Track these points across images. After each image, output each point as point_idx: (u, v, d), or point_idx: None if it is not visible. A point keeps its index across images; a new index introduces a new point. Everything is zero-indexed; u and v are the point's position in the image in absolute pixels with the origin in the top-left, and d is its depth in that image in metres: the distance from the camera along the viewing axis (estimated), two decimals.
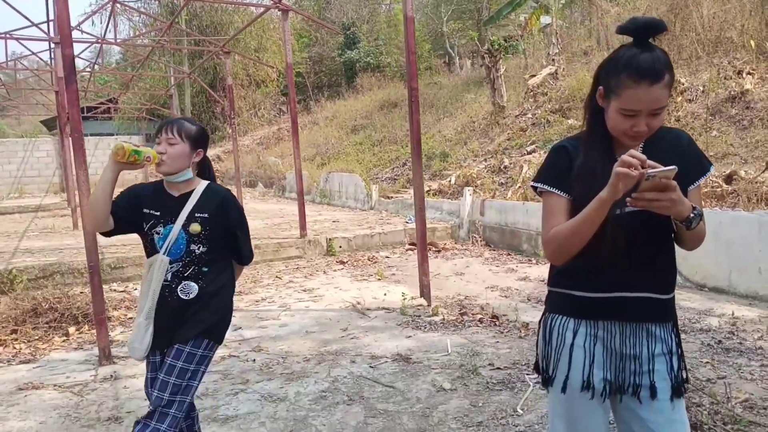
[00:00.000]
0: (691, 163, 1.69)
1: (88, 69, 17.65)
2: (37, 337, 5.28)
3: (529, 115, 13.53)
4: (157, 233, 2.40)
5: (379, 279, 7.25)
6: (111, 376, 4.36)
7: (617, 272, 1.69)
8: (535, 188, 1.82)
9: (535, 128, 12.92)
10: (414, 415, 3.51)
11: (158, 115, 26.67)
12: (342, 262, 8.37)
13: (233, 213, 2.48)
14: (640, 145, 1.70)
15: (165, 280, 2.37)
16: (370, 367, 4.31)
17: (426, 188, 12.35)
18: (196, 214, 2.40)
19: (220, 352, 4.77)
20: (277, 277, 7.52)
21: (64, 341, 5.24)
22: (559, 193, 1.75)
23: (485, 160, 12.94)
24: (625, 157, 1.47)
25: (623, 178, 1.46)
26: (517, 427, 3.27)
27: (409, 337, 4.98)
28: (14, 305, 5.69)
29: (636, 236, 1.66)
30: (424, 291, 5.93)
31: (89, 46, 14.81)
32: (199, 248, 2.40)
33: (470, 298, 6.16)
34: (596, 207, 1.56)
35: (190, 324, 2.38)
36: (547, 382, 1.84)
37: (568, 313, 1.80)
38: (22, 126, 47.58)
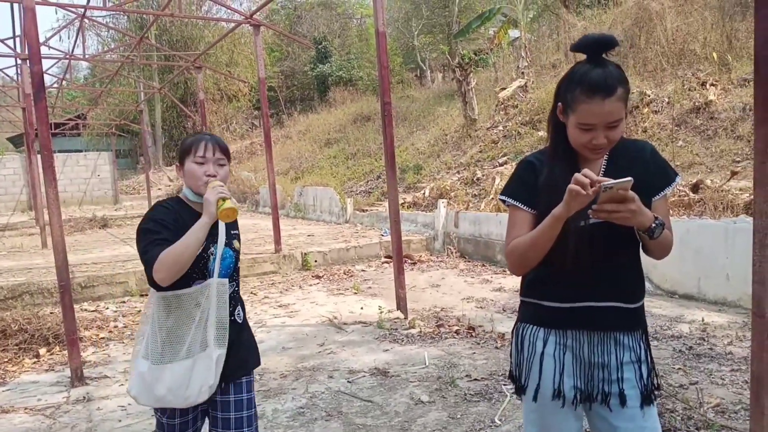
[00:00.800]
0: (655, 174, 1.74)
1: (56, 85, 17.38)
2: (6, 360, 5.14)
3: (500, 128, 13.70)
4: (212, 254, 2.09)
5: (356, 293, 7.24)
6: (84, 397, 4.27)
7: (584, 283, 1.73)
8: (503, 201, 1.86)
9: (507, 140, 13.09)
10: (393, 428, 3.50)
11: (128, 130, 26.38)
12: (318, 277, 8.34)
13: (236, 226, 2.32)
14: (605, 158, 1.75)
15: (232, 301, 2.15)
16: (348, 381, 4.29)
17: (400, 201, 12.41)
18: (232, 231, 2.18)
19: None
20: (252, 293, 7.46)
21: (34, 363, 5.11)
22: (523, 207, 1.79)
23: (458, 172, 13.05)
24: (577, 175, 1.52)
25: (575, 197, 1.52)
26: None
27: (387, 350, 4.97)
28: None
29: (600, 247, 1.69)
30: (401, 304, 5.94)
31: (57, 62, 14.64)
32: (237, 265, 2.23)
33: (446, 310, 6.19)
34: (550, 223, 1.62)
35: (247, 353, 2.21)
36: (520, 390, 1.87)
37: (538, 322, 1.83)
38: None
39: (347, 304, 6.64)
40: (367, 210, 12.96)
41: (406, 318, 5.83)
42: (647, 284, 6.45)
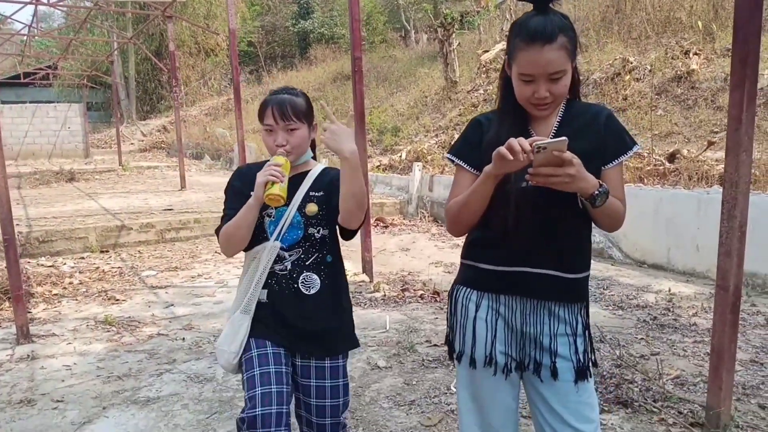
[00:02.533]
0: (608, 141, 1.62)
1: (25, 32, 16.67)
2: None
3: (481, 91, 13.47)
4: (269, 215, 2.00)
5: None
6: (28, 355, 4.10)
7: (521, 247, 1.63)
8: (449, 159, 1.76)
9: (487, 104, 12.87)
10: None
11: (100, 82, 25.57)
12: None
13: (334, 171, 2.10)
14: (556, 120, 1.65)
15: (283, 270, 1.99)
16: None
17: (377, 163, 12.22)
18: (311, 193, 2.02)
19: (147, 330, 4.57)
20: (216, 252, 7.27)
21: None
22: (465, 166, 1.70)
23: (436, 135, 12.85)
24: (512, 140, 1.43)
25: (499, 160, 1.45)
26: (449, 406, 3.19)
27: None
28: None
29: (540, 211, 1.59)
30: (367, 267, 5.81)
31: (23, 7, 13.96)
32: (318, 231, 2.01)
33: (414, 274, 6.07)
34: (482, 180, 1.55)
35: (325, 329, 2.02)
36: (452, 354, 1.79)
37: (472, 285, 1.74)
38: None
39: None
40: None
41: (371, 281, 5.71)
42: (617, 253, 6.39)
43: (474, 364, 1.71)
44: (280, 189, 1.87)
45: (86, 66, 24.21)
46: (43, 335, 4.47)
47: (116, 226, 7.59)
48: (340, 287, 2.09)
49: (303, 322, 1.99)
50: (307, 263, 2.00)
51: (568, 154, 1.41)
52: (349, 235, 2.01)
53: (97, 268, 6.54)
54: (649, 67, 10.57)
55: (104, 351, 4.16)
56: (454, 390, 3.37)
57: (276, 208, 1.97)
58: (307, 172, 2.05)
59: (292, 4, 29.40)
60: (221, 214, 2.03)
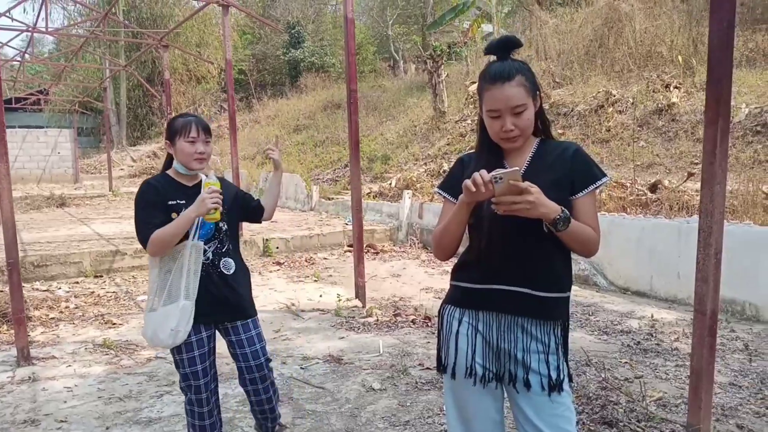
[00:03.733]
0: (576, 173, 1.81)
1: (18, 58, 16.82)
2: None
3: (469, 121, 13.77)
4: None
5: (316, 280, 7.22)
6: (29, 377, 4.17)
7: (496, 266, 1.82)
8: (438, 192, 2.01)
9: (474, 134, 13.11)
10: (342, 415, 3.51)
11: (91, 108, 25.72)
12: (278, 264, 8.28)
13: (233, 186, 2.87)
14: (529, 156, 1.87)
15: (206, 259, 2.58)
16: (301, 368, 4.29)
17: (367, 190, 12.40)
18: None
19: (145, 353, 4.65)
20: None
21: None
22: (450, 198, 1.93)
23: (425, 164, 13.09)
24: (474, 174, 1.63)
25: (466, 191, 1.65)
26: (442, 426, 3.32)
27: (342, 338, 4.98)
28: None
29: (510, 234, 1.78)
30: (359, 292, 5.94)
31: (19, 35, 14.15)
32: (224, 225, 2.66)
33: (405, 300, 6.21)
34: (458, 208, 1.77)
35: (242, 300, 2.71)
36: (439, 367, 1.97)
37: (455, 302, 1.94)
38: None
39: (306, 292, 6.62)
40: (333, 198, 12.92)
41: (364, 306, 5.84)
42: (601, 280, 6.58)
43: (455, 375, 1.89)
44: (219, 213, 2.49)
45: (78, 92, 24.35)
46: (42, 358, 4.55)
47: (110, 251, 7.68)
48: (245, 266, 2.81)
49: (229, 296, 2.64)
50: (222, 251, 2.64)
51: (525, 183, 1.61)
52: (259, 220, 2.93)
53: (93, 292, 6.62)
54: (631, 100, 10.91)
55: (104, 373, 4.25)
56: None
57: (186, 207, 2.52)
58: (200, 180, 2.64)
59: (284, 34, 29.82)
60: (140, 226, 2.50)
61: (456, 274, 1.96)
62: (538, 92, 1.81)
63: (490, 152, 1.87)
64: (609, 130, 10.47)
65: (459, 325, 1.90)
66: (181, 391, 2.72)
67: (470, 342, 1.87)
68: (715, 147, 2.63)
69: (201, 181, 2.62)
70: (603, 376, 3.88)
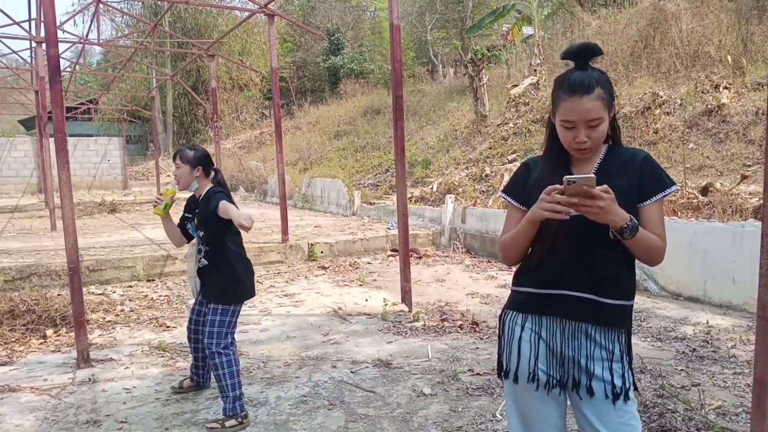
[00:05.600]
0: (644, 181, 1.80)
1: (69, 69, 17.45)
2: (14, 339, 5.21)
3: (511, 125, 13.67)
4: (186, 224, 3.75)
5: (361, 285, 7.27)
6: (89, 379, 4.32)
7: (561, 272, 1.82)
8: (503, 197, 2.01)
9: (516, 137, 13.05)
10: (394, 419, 3.53)
11: (139, 116, 26.48)
12: (323, 268, 8.37)
13: (212, 202, 3.44)
14: (597, 162, 1.85)
15: (199, 254, 3.57)
16: (351, 372, 4.33)
17: (408, 195, 12.41)
18: (195, 211, 3.59)
19: None
20: (257, 281, 7.49)
21: (41, 344, 5.17)
22: (514, 203, 1.94)
23: (467, 168, 13.04)
24: (549, 187, 1.67)
25: (541, 204, 1.68)
26: None
27: (390, 342, 5.00)
28: None
29: (575, 239, 1.77)
30: (406, 297, 5.96)
31: (71, 46, 14.69)
32: (200, 233, 3.56)
33: (451, 305, 6.21)
34: (526, 222, 1.79)
35: (207, 288, 3.59)
36: (501, 372, 1.97)
37: (518, 308, 1.94)
38: None
39: (352, 296, 6.67)
40: (374, 203, 12.98)
41: (410, 311, 5.86)
42: (653, 285, 6.44)
43: (517, 380, 1.89)
44: (157, 209, 3.62)
45: (126, 101, 25.09)
46: (101, 360, 4.71)
47: (162, 256, 7.88)
48: (219, 267, 3.53)
49: (204, 282, 3.63)
50: (201, 252, 3.55)
51: (601, 187, 1.60)
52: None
53: (146, 296, 6.81)
54: (679, 101, 10.67)
55: (161, 375, 4.37)
56: (500, 417, 3.50)
57: (189, 220, 3.65)
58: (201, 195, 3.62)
59: (324, 41, 30.14)
60: None
61: (518, 279, 1.97)
62: (614, 102, 1.80)
63: (558, 157, 1.86)
64: (657, 132, 10.25)
65: (522, 331, 1.90)
66: None
67: (533, 348, 1.87)
68: None
69: (203, 193, 3.61)
70: (660, 383, 3.81)
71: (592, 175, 1.63)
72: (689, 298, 6.08)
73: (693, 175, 8.56)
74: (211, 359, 3.46)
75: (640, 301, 6.05)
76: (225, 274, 3.51)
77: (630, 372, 1.83)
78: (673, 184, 1.81)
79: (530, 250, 1.91)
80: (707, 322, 5.19)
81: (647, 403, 3.51)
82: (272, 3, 9.06)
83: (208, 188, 3.59)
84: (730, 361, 4.30)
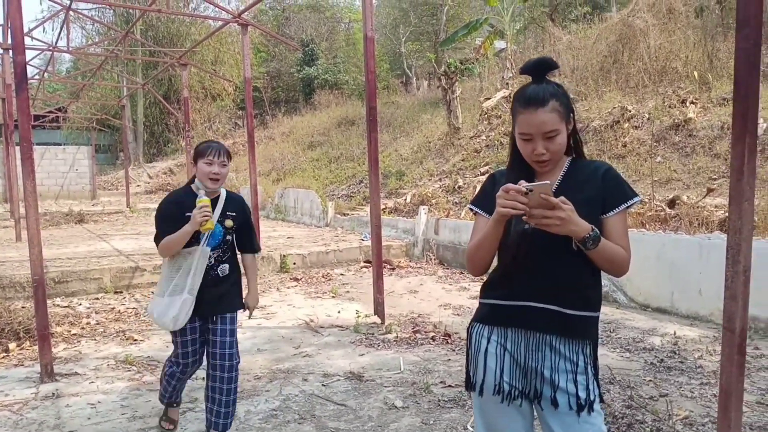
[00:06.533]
0: (607, 192, 1.82)
1: (38, 77, 17.12)
2: None
3: (483, 137, 13.80)
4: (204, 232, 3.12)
5: (334, 296, 7.23)
6: (53, 394, 4.20)
7: (525, 283, 1.83)
8: (470, 209, 2.03)
9: (489, 150, 13.18)
10: None
11: (109, 125, 26.05)
12: (296, 279, 8.31)
13: (248, 211, 3.38)
14: (560, 175, 1.88)
15: (209, 264, 3.12)
16: (322, 385, 4.28)
17: (382, 206, 12.41)
18: (228, 212, 3.21)
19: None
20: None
21: (3, 357, 5.02)
22: (482, 213, 1.95)
23: (440, 179, 13.11)
24: (507, 185, 1.67)
25: (499, 203, 1.69)
26: None
27: (362, 355, 4.97)
28: None
29: (538, 251, 1.79)
30: (378, 309, 5.94)
31: (40, 54, 14.43)
32: (231, 237, 3.25)
33: (423, 316, 6.20)
34: (490, 224, 1.80)
35: (231, 298, 3.26)
36: (468, 385, 1.98)
37: (484, 320, 1.95)
38: None
39: (324, 308, 6.63)
40: (348, 214, 12.95)
41: (383, 323, 5.84)
42: (622, 297, 6.53)
43: (483, 393, 1.89)
44: (211, 223, 2.99)
45: (95, 109, 24.70)
46: (66, 374, 4.58)
47: (130, 267, 7.74)
48: (238, 268, 3.31)
49: (221, 294, 3.19)
50: (223, 259, 3.19)
51: (557, 199, 1.62)
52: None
53: (113, 308, 6.67)
54: (647, 115, 10.90)
55: (127, 390, 4.27)
56: (471, 429, 3.49)
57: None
58: (218, 197, 3.20)
59: (298, 51, 30.13)
60: (157, 231, 3.12)
61: (484, 291, 1.98)
62: (572, 115, 1.83)
63: (521, 169, 1.88)
64: (625, 146, 10.44)
65: (487, 344, 1.91)
66: (168, 362, 3.37)
67: (499, 360, 1.88)
68: (743, 164, 2.61)
69: (217, 196, 3.19)
70: (628, 394, 3.85)
71: (548, 182, 1.66)
72: (657, 309, 6.18)
73: (660, 188, 8.73)
74: (232, 372, 3.26)
75: (609, 313, 6.13)
76: (239, 277, 3.34)
77: (595, 384, 1.83)
78: (636, 195, 1.84)
79: (497, 263, 1.92)
80: (675, 333, 5.27)
81: (616, 414, 3.54)
82: (246, 13, 9.04)
83: (225, 191, 3.27)
84: (697, 371, 4.36)
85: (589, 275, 1.84)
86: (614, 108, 11.51)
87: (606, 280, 6.68)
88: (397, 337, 5.42)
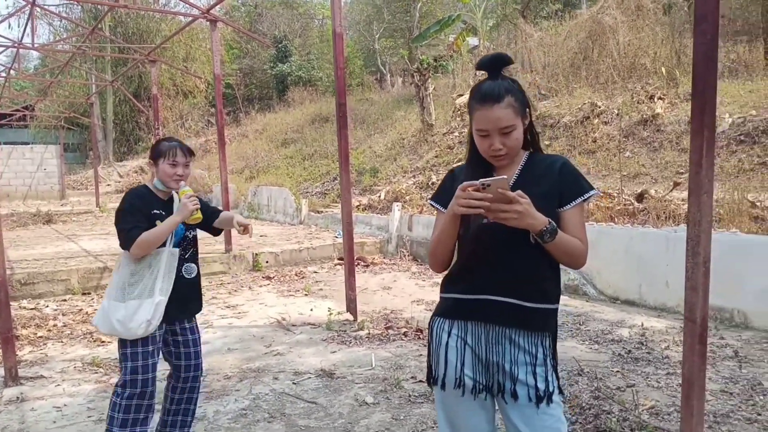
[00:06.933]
0: (563, 186, 1.84)
1: (3, 74, 16.73)
2: None
3: (456, 134, 13.85)
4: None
5: (306, 294, 7.19)
6: (17, 398, 4.11)
7: (484, 277, 1.84)
8: (431, 204, 2.03)
9: (462, 146, 13.23)
10: (336, 430, 3.49)
11: (77, 123, 25.58)
12: (268, 278, 8.25)
13: (204, 201, 3.06)
14: (518, 169, 1.89)
15: (184, 260, 2.93)
16: (293, 383, 4.26)
17: (356, 203, 12.40)
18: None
19: None
20: None
21: None
22: (441, 209, 1.95)
23: (414, 176, 13.13)
24: (464, 183, 1.68)
25: (456, 200, 1.70)
26: None
27: (334, 352, 4.96)
28: None
29: (496, 244, 1.81)
30: (351, 305, 5.93)
31: (5, 50, 14.08)
32: (191, 233, 3.02)
33: (396, 312, 6.21)
34: (446, 219, 1.82)
35: (196, 301, 3.07)
36: (429, 379, 1.97)
37: (444, 314, 1.95)
38: None
39: (297, 306, 6.60)
40: (322, 211, 12.91)
41: (355, 320, 5.83)
42: (591, 290, 6.61)
43: (445, 387, 1.89)
44: (199, 213, 2.86)
45: (64, 107, 24.23)
46: (31, 377, 4.49)
47: (98, 268, 7.61)
48: (199, 269, 3.07)
49: (188, 297, 2.96)
50: (186, 257, 2.96)
51: (513, 193, 1.64)
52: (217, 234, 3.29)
53: (81, 310, 6.55)
54: (616, 111, 11.05)
55: (93, 392, 4.20)
56: None
57: (164, 218, 2.87)
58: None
59: (271, 48, 29.91)
60: (126, 227, 2.75)
61: (445, 286, 1.98)
62: (528, 110, 1.84)
63: (479, 165, 1.90)
64: (595, 141, 10.58)
65: (448, 337, 1.91)
66: (120, 387, 2.78)
67: (459, 354, 1.88)
68: (702, 157, 2.66)
69: (172, 196, 2.98)
70: (595, 385, 3.89)
71: (505, 177, 1.66)
72: (626, 301, 6.27)
73: (629, 183, 8.85)
74: (197, 383, 3.06)
75: (579, 306, 6.20)
76: (200, 279, 3.13)
77: (554, 375, 1.85)
78: (592, 188, 1.86)
79: (457, 257, 1.93)
80: (642, 325, 5.36)
81: (583, 405, 3.58)
82: (216, 8, 8.93)
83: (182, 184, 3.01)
84: (664, 361, 4.43)
85: (547, 268, 1.85)
86: (584, 104, 11.64)
87: (575, 274, 6.76)
88: (369, 333, 5.42)
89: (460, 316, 1.90)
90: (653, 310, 5.93)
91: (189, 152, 2.96)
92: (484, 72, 1.85)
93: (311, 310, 6.39)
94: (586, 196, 1.84)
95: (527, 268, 1.82)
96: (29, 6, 9.96)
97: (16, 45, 12.46)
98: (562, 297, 6.45)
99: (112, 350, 5.15)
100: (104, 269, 7.63)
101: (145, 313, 2.73)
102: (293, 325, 5.81)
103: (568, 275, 6.77)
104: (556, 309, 1.90)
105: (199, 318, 6.04)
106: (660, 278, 5.94)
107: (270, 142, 21.71)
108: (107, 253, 8.72)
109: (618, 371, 4.25)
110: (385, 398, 3.93)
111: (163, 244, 2.83)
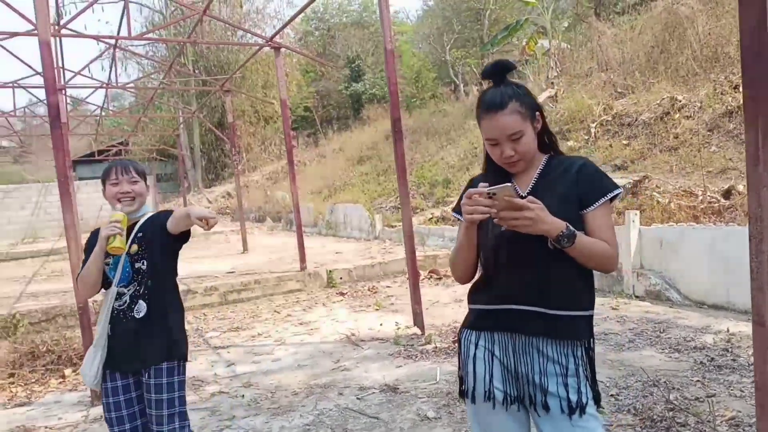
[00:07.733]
0: (583, 188, 1.77)
1: (96, 113, 18.04)
2: (33, 380, 5.32)
3: None
4: (107, 264, 2.54)
5: (377, 309, 7.23)
6: (101, 416, 4.37)
7: (508, 286, 1.79)
8: (453, 215, 2.00)
9: None
10: None
11: (168, 154, 27.10)
12: (342, 294, 8.37)
13: (161, 217, 2.60)
14: (536, 173, 1.85)
15: (123, 304, 2.50)
16: (357, 398, 4.28)
17: (429, 215, 12.39)
18: (137, 236, 2.56)
19: (210, 388, 4.79)
20: (275, 311, 7.53)
21: (60, 383, 5.27)
22: (461, 218, 1.88)
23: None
24: (470, 190, 1.66)
25: (464, 207, 1.67)
26: None
27: (400, 366, 4.95)
28: (12, 349, 5.75)
29: (515, 252, 1.76)
30: (417, 319, 5.90)
31: (94, 91, 15.19)
32: (142, 264, 2.54)
33: None
34: (463, 231, 1.81)
35: (159, 343, 2.52)
36: (461, 392, 1.94)
37: (471, 326, 1.91)
38: (40, 172, 48.50)
39: (367, 321, 6.64)
40: (395, 226, 12.97)
41: (422, 334, 5.79)
42: (675, 295, 6.25)
43: (475, 400, 1.85)
44: (119, 241, 2.39)
45: (155, 140, 25.78)
46: None
47: (182, 291, 7.97)
48: (167, 305, 2.57)
49: (139, 342, 2.48)
50: (139, 293, 2.51)
51: (526, 199, 1.60)
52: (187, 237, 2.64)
53: None
54: (699, 104, 10.45)
55: None
56: None
57: (114, 255, 2.48)
58: (137, 222, 2.60)
59: (344, 69, 30.57)
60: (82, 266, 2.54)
61: (471, 297, 1.95)
62: (537, 112, 1.80)
63: (497, 173, 1.86)
64: (677, 137, 10.04)
65: (475, 349, 1.88)
66: None
67: (487, 366, 1.84)
68: (758, 149, 2.46)
69: (137, 221, 2.60)
70: (670, 396, 3.67)
71: (508, 184, 1.63)
72: (713, 305, 5.88)
73: (716, 179, 8.33)
74: None
75: (661, 312, 5.88)
76: (175, 321, 2.62)
77: (588, 385, 1.77)
78: (616, 187, 1.78)
79: (481, 268, 1.90)
80: (728, 330, 5.00)
81: (654, 417, 3.38)
82: (290, 35, 9.24)
83: (151, 212, 2.70)
84: (750, 369, 4.11)
85: (576, 273, 1.77)
86: (663, 99, 11.09)
87: (657, 279, 6.41)
88: (435, 347, 5.37)
89: (486, 328, 1.87)
90: (743, 314, 5.52)
91: (131, 169, 2.59)
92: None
93: (380, 324, 6.41)
94: (610, 195, 1.76)
95: (549, 275, 1.76)
96: (111, 49, 10.71)
97: (104, 86, 13.40)
98: (642, 303, 6.18)
99: (191, 368, 5.29)
100: (188, 291, 8.00)
101: (92, 363, 2.49)
102: (362, 341, 5.85)
103: (649, 280, 6.44)
104: (590, 315, 1.82)
105: (274, 335, 6.26)
106: (749, 279, 5.52)
107: (346, 161, 22.10)
108: (191, 276, 9.14)
109: (698, 380, 3.99)
110: (448, 413, 3.87)
111: (109, 283, 2.52)
